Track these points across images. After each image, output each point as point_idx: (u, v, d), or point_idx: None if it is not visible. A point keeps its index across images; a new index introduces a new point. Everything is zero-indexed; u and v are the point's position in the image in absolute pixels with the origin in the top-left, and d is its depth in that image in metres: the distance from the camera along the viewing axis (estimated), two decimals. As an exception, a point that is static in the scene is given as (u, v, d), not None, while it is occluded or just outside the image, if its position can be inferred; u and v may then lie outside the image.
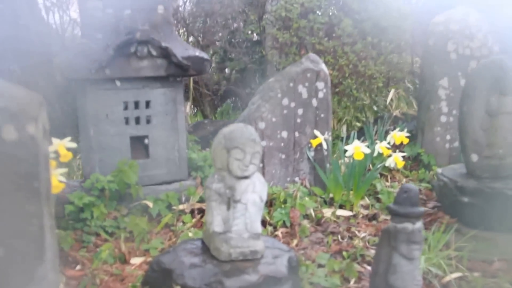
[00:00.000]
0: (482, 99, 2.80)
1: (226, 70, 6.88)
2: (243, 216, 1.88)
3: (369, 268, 2.45)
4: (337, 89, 4.33)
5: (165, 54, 3.02)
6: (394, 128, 4.20)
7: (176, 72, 3.10)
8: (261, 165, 3.25)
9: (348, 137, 4.07)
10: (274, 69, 5.55)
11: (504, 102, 2.77)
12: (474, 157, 2.84)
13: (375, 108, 4.79)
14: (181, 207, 2.99)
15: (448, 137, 4.23)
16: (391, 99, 4.82)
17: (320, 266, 2.37)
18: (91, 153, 3.00)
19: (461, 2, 4.50)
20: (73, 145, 2.43)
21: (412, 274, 1.96)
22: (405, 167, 4.10)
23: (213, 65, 6.72)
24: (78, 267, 2.46)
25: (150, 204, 2.92)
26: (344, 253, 2.56)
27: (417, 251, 1.94)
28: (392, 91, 4.78)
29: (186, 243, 2.06)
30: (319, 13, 4.26)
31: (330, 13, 4.23)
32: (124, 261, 2.51)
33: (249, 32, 5.98)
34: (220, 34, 6.34)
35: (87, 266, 2.42)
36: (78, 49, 2.97)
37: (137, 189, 2.91)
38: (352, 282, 2.30)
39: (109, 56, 2.87)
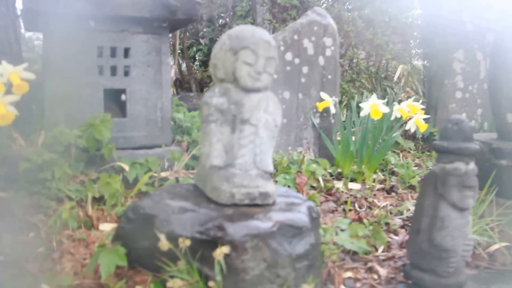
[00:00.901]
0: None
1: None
2: (251, 144, 1.41)
3: (396, 237, 1.99)
4: (340, 60, 3.88)
5: (150, -11, 2.56)
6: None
7: (162, 14, 2.63)
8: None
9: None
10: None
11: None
12: (510, 117, 2.42)
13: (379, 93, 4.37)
14: (163, 174, 2.49)
15: (464, 115, 3.83)
16: (399, 77, 4.40)
17: (340, 231, 1.90)
18: (55, 104, 2.50)
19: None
20: (31, 75, 1.94)
21: (463, 230, 1.52)
22: (416, 147, 3.68)
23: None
24: (32, 233, 1.95)
25: (126, 167, 2.42)
26: (365, 221, 2.09)
27: (471, 199, 1.51)
28: (400, 67, 4.36)
29: (172, 187, 1.59)
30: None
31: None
32: (91, 226, 2.01)
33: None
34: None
35: (42, 231, 1.92)
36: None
37: (110, 148, 2.41)
38: (380, 250, 1.83)
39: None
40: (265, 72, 1.39)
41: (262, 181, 1.43)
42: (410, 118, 2.87)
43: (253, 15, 4.66)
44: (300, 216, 1.41)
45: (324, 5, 3.88)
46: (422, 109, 3.13)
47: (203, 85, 5.84)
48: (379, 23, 4.03)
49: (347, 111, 4.36)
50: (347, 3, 3.93)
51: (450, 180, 1.50)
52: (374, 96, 2.72)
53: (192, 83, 5.24)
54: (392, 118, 2.92)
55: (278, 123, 1.45)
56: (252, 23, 4.70)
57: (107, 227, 2.01)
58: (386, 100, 3.30)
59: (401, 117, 2.87)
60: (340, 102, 4.41)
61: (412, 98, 3.23)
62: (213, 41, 5.72)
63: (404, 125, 3.07)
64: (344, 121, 3.05)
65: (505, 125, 2.45)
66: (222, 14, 5.52)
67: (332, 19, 3.05)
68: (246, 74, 1.37)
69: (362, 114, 2.73)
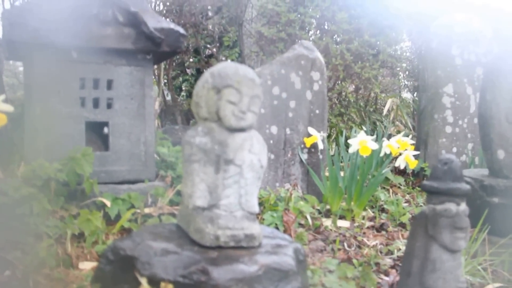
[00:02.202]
0: (509, 86, 2.42)
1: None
2: (236, 185, 1.40)
3: (386, 278, 1.98)
4: (329, 93, 3.90)
5: (134, 21, 2.56)
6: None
7: (146, 46, 2.64)
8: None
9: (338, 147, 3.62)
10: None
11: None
12: (501, 154, 2.46)
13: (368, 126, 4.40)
14: (147, 210, 2.47)
15: (454, 149, 3.86)
16: (388, 111, 4.43)
17: (328, 272, 1.88)
18: (36, 135, 2.48)
19: (461, 9, 4.24)
20: (9, 108, 1.93)
21: (455, 273, 1.52)
22: (406, 183, 3.69)
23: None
24: (8, 272, 1.91)
25: (108, 203, 2.39)
26: (355, 261, 2.08)
27: (462, 241, 1.50)
28: (389, 100, 4.39)
29: (154, 227, 1.57)
30: (311, 8, 3.86)
31: (323, 7, 3.83)
32: (71, 265, 1.97)
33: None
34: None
35: (19, 270, 1.88)
36: (24, 7, 2.48)
37: (91, 183, 2.38)
38: (370, 292, 1.81)
39: (65, 18, 2.40)
40: (250, 111, 1.39)
41: (247, 222, 1.42)
42: (400, 154, 2.88)
43: (240, 46, 4.69)
44: (286, 259, 1.39)
45: (312, 37, 3.92)
46: (412, 144, 3.14)
47: (189, 116, 5.84)
48: (368, 56, 4.07)
49: (335, 145, 4.38)
50: (335, 36, 3.97)
51: (441, 222, 1.50)
52: (362, 132, 2.73)
53: (177, 115, 5.24)
54: (382, 154, 2.92)
55: (264, 163, 1.44)
56: (239, 54, 4.73)
57: (87, 265, 1.98)
58: (375, 134, 3.32)
59: (391, 153, 2.88)
60: (329, 136, 4.43)
61: (402, 133, 3.25)
62: (199, 71, 5.74)
63: (394, 161, 3.08)
64: (332, 156, 3.06)
65: (496, 162, 2.47)
66: (208, 45, 5.55)
67: (319, 53, 3.07)
68: (230, 113, 1.36)
69: (351, 150, 2.73)
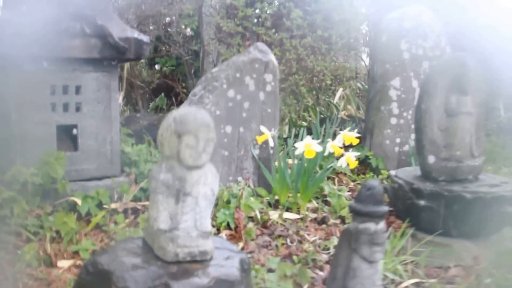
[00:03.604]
0: (441, 97, 2.85)
1: (156, 66, 6.73)
2: (192, 212, 1.80)
3: (321, 273, 2.43)
4: (282, 85, 4.30)
5: (101, 33, 2.89)
6: (342, 130, 4.22)
7: (112, 54, 2.98)
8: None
9: (291, 137, 4.03)
10: (212, 64, 5.49)
11: (464, 101, 2.84)
12: (431, 159, 2.88)
13: (321, 108, 4.81)
14: (113, 205, 2.86)
15: (398, 140, 4.30)
16: (339, 99, 4.86)
17: (270, 270, 2.32)
18: (11, 142, 2.83)
19: (415, 1, 4.61)
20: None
21: (372, 278, 1.95)
22: (352, 170, 4.13)
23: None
24: (-5, 271, 2.30)
25: (79, 201, 2.77)
26: (295, 257, 2.52)
27: (379, 254, 1.92)
28: (340, 90, 4.82)
29: (125, 242, 1.96)
30: (267, 3, 4.23)
31: (278, 3, 4.19)
32: (50, 264, 2.37)
33: (183, 26, 5.85)
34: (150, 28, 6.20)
35: (6, 269, 2.27)
36: None
37: (63, 184, 2.76)
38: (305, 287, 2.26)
39: (36, 32, 2.72)
40: (205, 152, 1.78)
41: (201, 240, 1.82)
42: (342, 155, 3.31)
43: (200, 36, 4.97)
44: (233, 271, 1.81)
45: (268, 32, 4.26)
46: (358, 137, 3.58)
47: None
48: (321, 50, 4.45)
49: (288, 130, 4.81)
50: (290, 31, 4.33)
51: (361, 238, 1.91)
52: (308, 137, 3.15)
53: (138, 99, 5.57)
54: (326, 153, 3.35)
55: (216, 191, 1.84)
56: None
57: (65, 264, 2.37)
58: (324, 125, 3.72)
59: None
60: (283, 120, 4.84)
61: (348, 129, 3.69)
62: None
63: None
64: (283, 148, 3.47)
65: (427, 165, 2.90)
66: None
67: (273, 55, 3.45)
68: (189, 155, 1.75)
69: (296, 152, 3.15)
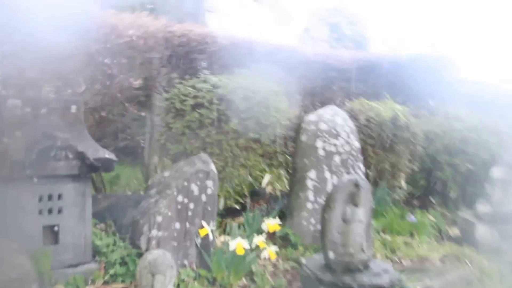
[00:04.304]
0: (340, 209, 3.86)
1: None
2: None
3: None
4: (220, 175, 5.28)
5: (80, 156, 3.80)
6: (267, 206, 5.22)
7: (87, 171, 3.89)
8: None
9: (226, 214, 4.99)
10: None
11: (356, 212, 3.86)
12: (331, 254, 3.88)
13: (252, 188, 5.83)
14: (87, 288, 3.75)
15: (312, 221, 5.32)
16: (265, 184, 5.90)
17: None
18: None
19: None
20: None
21: None
22: (274, 244, 5.10)
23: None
24: None
25: (62, 288, 3.65)
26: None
27: None
28: (267, 175, 5.85)
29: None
30: (209, 109, 5.23)
31: (218, 113, 5.21)
32: None
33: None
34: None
35: None
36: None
37: (50, 275, 3.63)
38: None
39: (31, 159, 3.61)
40: (170, 284, 2.72)
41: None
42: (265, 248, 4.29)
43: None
44: None
45: (209, 133, 5.21)
46: (280, 224, 4.58)
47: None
48: (253, 148, 5.49)
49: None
50: (228, 133, 5.32)
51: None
52: (239, 237, 4.13)
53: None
54: (253, 246, 4.31)
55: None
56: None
57: None
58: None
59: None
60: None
61: (271, 219, 4.68)
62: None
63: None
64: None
65: (328, 259, 3.89)
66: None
67: (213, 165, 4.42)
68: (159, 287, 2.70)
69: (230, 248, 4.12)
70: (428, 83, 8.66)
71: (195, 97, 5.29)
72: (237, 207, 5.67)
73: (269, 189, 5.91)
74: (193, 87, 5.41)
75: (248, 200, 5.70)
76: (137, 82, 5.64)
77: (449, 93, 8.64)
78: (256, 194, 6.00)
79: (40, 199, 3.80)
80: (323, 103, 7.10)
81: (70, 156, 3.79)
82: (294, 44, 10.97)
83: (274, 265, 4.80)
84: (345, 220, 3.88)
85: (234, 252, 4.18)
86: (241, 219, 5.38)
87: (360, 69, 8.38)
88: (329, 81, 7.90)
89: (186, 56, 6.13)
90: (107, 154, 3.98)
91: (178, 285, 3.89)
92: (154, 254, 2.78)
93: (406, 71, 8.72)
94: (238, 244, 4.02)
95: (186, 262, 4.29)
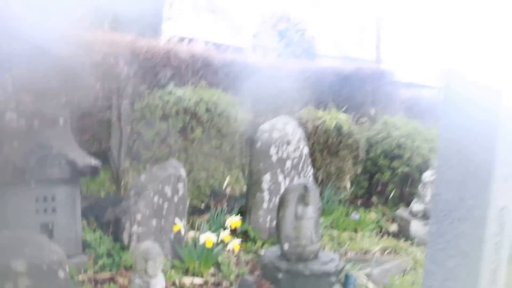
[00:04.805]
0: (292, 207, 4.60)
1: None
2: (154, 292, 3.43)
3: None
4: (187, 178, 5.97)
5: (71, 164, 4.43)
6: (228, 205, 5.96)
7: (77, 175, 4.52)
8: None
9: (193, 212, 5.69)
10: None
11: (306, 210, 4.60)
12: (286, 246, 4.61)
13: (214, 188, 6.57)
14: (81, 277, 4.38)
15: (268, 218, 6.06)
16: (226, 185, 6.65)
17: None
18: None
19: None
20: None
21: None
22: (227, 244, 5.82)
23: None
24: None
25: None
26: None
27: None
28: (228, 177, 6.59)
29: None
30: (176, 120, 5.94)
31: (183, 122, 5.92)
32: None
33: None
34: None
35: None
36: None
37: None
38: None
39: (30, 167, 4.22)
40: (159, 268, 3.41)
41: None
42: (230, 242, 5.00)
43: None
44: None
45: (176, 141, 5.91)
46: (240, 219, 5.30)
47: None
48: (215, 154, 6.21)
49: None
50: (193, 141, 6.04)
51: None
52: (208, 232, 4.84)
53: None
54: (219, 240, 5.02)
55: (164, 285, 3.49)
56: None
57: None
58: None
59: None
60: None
61: (233, 216, 5.39)
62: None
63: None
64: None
65: (283, 250, 4.61)
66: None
67: (183, 169, 5.11)
68: (151, 270, 3.38)
69: (200, 242, 4.82)
70: (369, 93, 9.59)
71: (162, 108, 5.98)
72: (201, 206, 6.40)
73: (228, 190, 6.64)
74: (161, 98, 6.09)
75: (211, 200, 6.42)
76: (108, 94, 6.26)
77: (388, 102, 9.59)
78: (217, 194, 6.72)
79: (37, 200, 4.41)
80: (275, 111, 7.90)
81: (63, 163, 4.41)
82: (247, 55, 11.68)
83: (237, 257, 5.53)
84: (297, 217, 4.61)
85: (203, 245, 4.88)
86: (206, 216, 6.10)
87: (307, 80, 9.15)
88: (279, 90, 8.63)
89: (152, 70, 6.76)
90: (93, 162, 4.63)
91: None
92: (146, 245, 3.46)
93: (349, 81, 9.62)
94: (207, 238, 4.72)
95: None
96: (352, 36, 26.17)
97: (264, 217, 6.07)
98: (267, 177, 6.09)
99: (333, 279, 4.54)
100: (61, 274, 2.73)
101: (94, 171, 4.60)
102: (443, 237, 2.69)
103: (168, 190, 4.96)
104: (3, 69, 5.27)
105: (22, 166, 4.21)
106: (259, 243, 5.85)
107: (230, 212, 6.15)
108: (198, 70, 7.26)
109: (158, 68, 6.94)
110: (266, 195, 6.09)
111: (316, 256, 4.71)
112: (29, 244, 2.77)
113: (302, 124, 7.29)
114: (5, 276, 2.46)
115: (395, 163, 8.24)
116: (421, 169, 7.81)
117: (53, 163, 4.36)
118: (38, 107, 4.65)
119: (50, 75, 5.47)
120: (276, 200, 6.01)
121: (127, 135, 6.21)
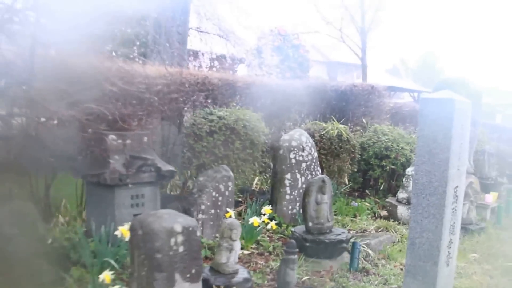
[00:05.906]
0: (314, 195, 6.24)
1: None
2: (234, 254, 5.03)
3: (268, 276, 5.71)
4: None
5: (157, 170, 6.02)
6: (257, 198, 7.61)
7: (159, 179, 6.09)
8: (201, 228, 6.35)
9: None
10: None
11: (323, 197, 6.24)
12: (310, 224, 6.25)
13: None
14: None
15: (290, 207, 7.68)
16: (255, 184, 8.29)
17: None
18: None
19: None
20: None
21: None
22: (267, 224, 7.45)
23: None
24: None
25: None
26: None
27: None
28: (257, 178, 8.23)
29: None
30: (219, 134, 7.55)
31: (227, 134, 7.56)
32: None
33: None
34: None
35: None
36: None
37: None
38: None
39: (132, 174, 5.81)
40: (237, 235, 5.02)
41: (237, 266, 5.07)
42: (269, 222, 6.60)
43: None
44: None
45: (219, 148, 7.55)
46: (271, 208, 6.92)
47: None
48: (243, 157, 7.84)
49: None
50: (233, 151, 7.67)
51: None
52: (254, 216, 6.45)
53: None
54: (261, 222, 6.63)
55: (239, 248, 5.11)
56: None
57: None
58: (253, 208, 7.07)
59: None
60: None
61: (266, 206, 7.01)
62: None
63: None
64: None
65: (308, 226, 6.20)
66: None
67: (231, 171, 6.72)
68: (235, 236, 4.97)
69: (249, 223, 6.43)
70: (362, 106, 11.30)
71: (209, 126, 7.59)
72: (240, 199, 8.06)
73: (256, 187, 8.31)
74: (205, 118, 7.71)
75: (245, 195, 8.08)
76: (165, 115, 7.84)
77: (376, 113, 11.31)
78: (247, 191, 8.37)
79: (132, 198, 5.96)
80: (287, 124, 9.60)
81: (152, 170, 6.01)
82: (263, 78, 13.25)
83: (270, 236, 7.16)
84: (317, 203, 6.25)
85: (251, 225, 6.48)
86: (241, 207, 7.74)
87: (309, 95, 10.77)
88: (289, 105, 10.27)
89: (193, 93, 8.34)
90: (171, 167, 6.22)
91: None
92: (230, 219, 5.06)
93: (344, 96, 11.31)
94: (254, 220, 6.32)
95: (217, 234, 6.56)
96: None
97: (287, 207, 7.70)
98: (288, 176, 7.73)
99: (344, 245, 6.19)
100: (198, 233, 4.18)
101: (172, 175, 6.20)
102: (420, 205, 4.33)
103: (222, 187, 6.58)
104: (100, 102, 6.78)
105: (125, 174, 5.80)
106: (284, 226, 7.47)
107: (261, 204, 7.77)
108: (227, 93, 8.88)
109: (196, 92, 8.52)
110: (288, 190, 7.72)
111: (331, 230, 6.34)
112: (180, 216, 4.21)
113: (311, 134, 8.93)
114: (170, 234, 3.95)
115: (384, 162, 10.01)
116: (405, 166, 9.61)
117: (146, 170, 5.95)
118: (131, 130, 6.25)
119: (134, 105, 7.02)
120: (295, 193, 7.68)
121: (179, 147, 7.82)
